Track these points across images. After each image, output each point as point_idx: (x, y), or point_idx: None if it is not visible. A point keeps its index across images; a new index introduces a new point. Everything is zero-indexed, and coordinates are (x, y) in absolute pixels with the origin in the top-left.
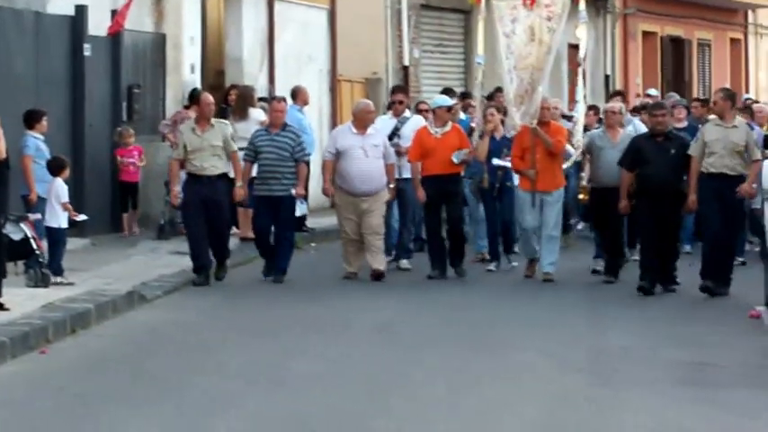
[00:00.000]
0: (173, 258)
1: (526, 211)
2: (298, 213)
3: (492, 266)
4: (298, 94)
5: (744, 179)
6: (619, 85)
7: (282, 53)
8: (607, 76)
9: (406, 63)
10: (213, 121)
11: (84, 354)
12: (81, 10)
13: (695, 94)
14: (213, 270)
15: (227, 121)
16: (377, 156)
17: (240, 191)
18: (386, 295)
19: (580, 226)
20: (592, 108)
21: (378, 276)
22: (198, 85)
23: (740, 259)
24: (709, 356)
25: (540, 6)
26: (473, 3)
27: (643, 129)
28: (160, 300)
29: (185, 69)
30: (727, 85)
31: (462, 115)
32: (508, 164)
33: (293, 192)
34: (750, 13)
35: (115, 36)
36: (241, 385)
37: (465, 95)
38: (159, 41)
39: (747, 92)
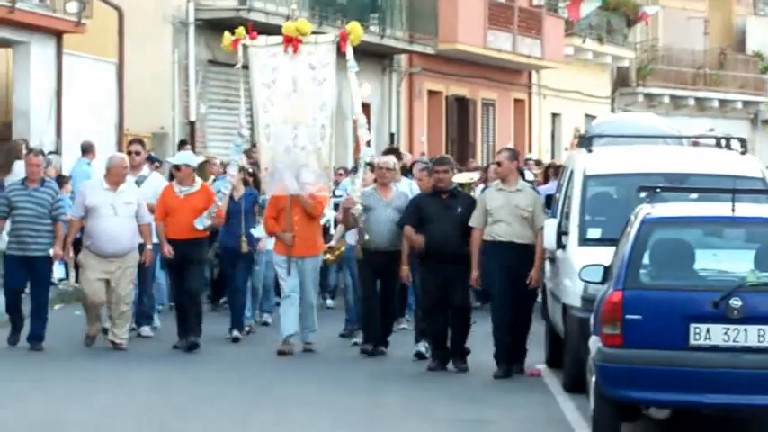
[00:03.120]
0: None
1: (284, 277)
2: (56, 274)
3: (235, 333)
4: (88, 149)
5: (532, 248)
6: (404, 144)
7: (71, 107)
8: (392, 135)
9: (193, 118)
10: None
11: None
12: None
13: (479, 153)
14: None
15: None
16: (128, 214)
17: None
18: (161, 351)
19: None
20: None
21: (117, 347)
22: None
23: None
24: (487, 414)
25: (302, 54)
26: (227, 48)
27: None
28: None
29: None
30: (511, 145)
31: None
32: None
33: (51, 252)
34: (534, 73)
35: None
36: None
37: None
38: None
39: (530, 152)
